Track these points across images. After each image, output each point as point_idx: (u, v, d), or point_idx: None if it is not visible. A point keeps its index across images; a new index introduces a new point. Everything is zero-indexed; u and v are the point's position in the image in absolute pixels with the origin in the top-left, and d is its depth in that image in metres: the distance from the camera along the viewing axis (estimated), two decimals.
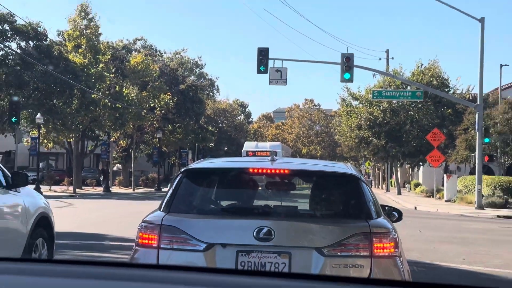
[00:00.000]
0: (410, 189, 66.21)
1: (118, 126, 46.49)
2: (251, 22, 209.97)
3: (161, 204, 6.04)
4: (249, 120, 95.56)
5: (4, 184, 9.00)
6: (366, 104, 54.14)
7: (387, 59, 65.26)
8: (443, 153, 46.12)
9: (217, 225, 5.91)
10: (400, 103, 53.00)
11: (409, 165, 58.68)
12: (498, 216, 30.80)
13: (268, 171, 6.55)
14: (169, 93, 51.52)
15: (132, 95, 46.67)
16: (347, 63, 34.07)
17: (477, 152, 35.62)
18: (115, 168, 60.10)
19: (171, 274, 1.79)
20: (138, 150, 58.77)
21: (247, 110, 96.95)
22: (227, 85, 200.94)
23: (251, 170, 6.67)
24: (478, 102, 35.55)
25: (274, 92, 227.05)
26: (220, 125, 76.83)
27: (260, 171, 6.60)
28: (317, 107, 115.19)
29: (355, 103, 56.29)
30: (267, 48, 34.19)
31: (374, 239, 5.59)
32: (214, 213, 6.46)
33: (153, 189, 54.03)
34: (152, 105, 50.94)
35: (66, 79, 41.91)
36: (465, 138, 44.50)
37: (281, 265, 5.53)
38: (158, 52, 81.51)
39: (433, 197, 49.31)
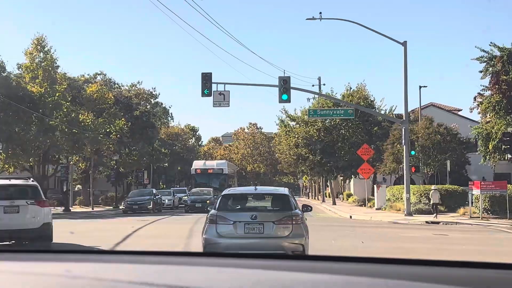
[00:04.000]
0: (342, 199, 63.91)
1: (76, 150, 42.90)
2: (197, 51, 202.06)
3: (215, 207, 12.05)
4: (200, 142, 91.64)
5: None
6: (303, 124, 51.70)
7: (319, 85, 63.09)
8: (372, 166, 43.88)
9: (236, 214, 11.79)
10: (332, 123, 50.67)
11: (342, 178, 56.29)
12: (427, 222, 28.49)
13: (254, 193, 13.38)
14: (123, 119, 48.03)
15: (88, 121, 43.10)
16: (285, 85, 31.64)
17: (404, 164, 33.30)
18: (76, 189, 56.10)
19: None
20: (97, 172, 54.89)
21: (197, 133, 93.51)
22: (180, 112, 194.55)
23: (246, 192, 13.60)
24: (404, 118, 33.23)
25: (222, 117, 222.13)
26: (174, 147, 73.32)
27: (251, 192, 13.44)
28: (260, 129, 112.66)
29: (292, 123, 53.78)
30: (211, 73, 31.47)
31: (293, 217, 11.74)
32: (235, 210, 12.11)
33: (111, 207, 50.31)
34: (108, 130, 47.31)
35: (24, 108, 38.29)
36: (391, 152, 42.36)
37: (259, 229, 11.50)
38: (117, 85, 78.11)
39: (364, 206, 46.93)
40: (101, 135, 46.36)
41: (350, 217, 35.16)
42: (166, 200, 43.61)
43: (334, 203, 52.66)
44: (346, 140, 50.24)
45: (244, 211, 11.98)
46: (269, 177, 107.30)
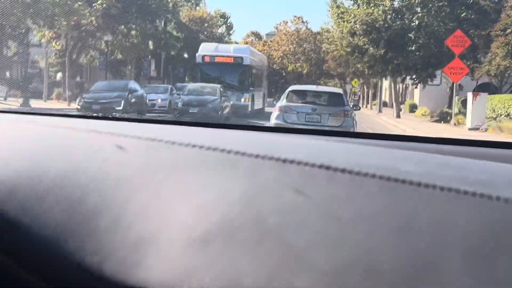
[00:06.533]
0: (404, 111, 49.54)
1: (32, 17, 29.21)
2: None
3: (283, 99, 14.84)
4: (230, 32, 76.51)
5: None
6: (363, 3, 36.73)
7: None
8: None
9: (300, 107, 14.23)
10: (405, 2, 35.67)
11: (412, 81, 41.56)
12: None
13: (315, 90, 16.20)
14: None
15: None
16: None
17: None
18: (57, 78, 42.89)
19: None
20: (87, 57, 41.52)
21: (228, 22, 78.36)
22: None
23: (309, 89, 16.70)
24: None
25: (265, 13, 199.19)
26: (197, 35, 58.78)
27: (312, 90, 16.38)
28: (306, 23, 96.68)
29: (348, 3, 38.86)
30: None
31: (344, 112, 14.13)
32: (298, 102, 14.57)
33: None
34: None
35: None
36: (505, 41, 27.48)
37: (317, 119, 13.92)
38: None
39: (444, 122, 32.71)
40: (79, 2, 32.57)
41: None
42: (159, 100, 29.62)
43: (397, 116, 38.38)
44: (422, 28, 35.30)
45: (306, 103, 14.57)
46: (312, 79, 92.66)
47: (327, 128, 13.07)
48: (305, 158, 1.04)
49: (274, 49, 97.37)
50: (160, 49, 43.34)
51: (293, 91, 15.33)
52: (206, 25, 62.58)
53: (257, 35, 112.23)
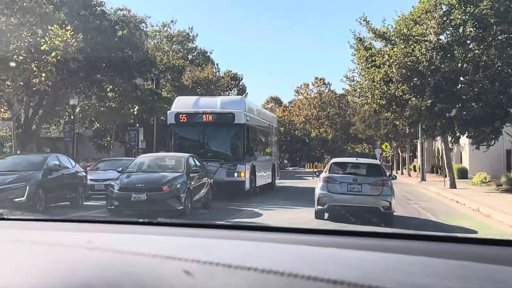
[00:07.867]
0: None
1: None
2: None
3: (326, 170, 15.81)
4: (244, 95, 67.67)
5: None
6: (400, 41, 28.03)
7: None
8: None
9: (342, 177, 15.20)
10: (456, 36, 26.97)
11: (472, 141, 31.59)
12: None
13: (355, 162, 17.12)
14: (69, 27, 25.48)
15: None
16: None
17: None
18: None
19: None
20: (52, 125, 33.02)
21: (241, 84, 69.66)
22: (228, 65, 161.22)
23: (349, 161, 17.38)
24: None
25: (285, 81, 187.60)
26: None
27: (352, 162, 17.19)
28: (328, 85, 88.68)
29: (379, 45, 30.19)
30: None
31: (383, 181, 15.01)
32: (340, 173, 15.46)
33: None
34: (43, 47, 25.18)
35: None
36: None
37: (358, 188, 14.84)
38: (143, 23, 57.69)
39: None
40: (23, 55, 24.48)
41: None
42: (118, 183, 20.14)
43: (453, 186, 28.97)
44: (482, 68, 26.47)
45: (347, 174, 15.49)
46: (338, 144, 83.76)
47: (367, 197, 14.78)
48: (353, 278, 1.12)
49: (296, 114, 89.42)
50: (146, 114, 34.79)
51: (335, 163, 16.37)
52: (212, 87, 54.45)
53: (277, 101, 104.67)
